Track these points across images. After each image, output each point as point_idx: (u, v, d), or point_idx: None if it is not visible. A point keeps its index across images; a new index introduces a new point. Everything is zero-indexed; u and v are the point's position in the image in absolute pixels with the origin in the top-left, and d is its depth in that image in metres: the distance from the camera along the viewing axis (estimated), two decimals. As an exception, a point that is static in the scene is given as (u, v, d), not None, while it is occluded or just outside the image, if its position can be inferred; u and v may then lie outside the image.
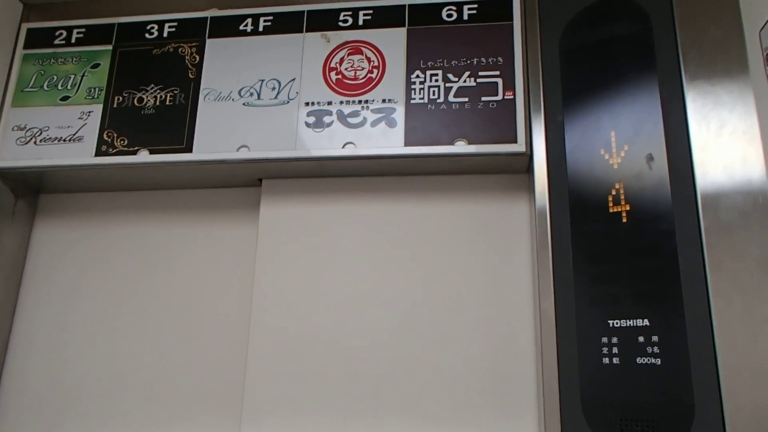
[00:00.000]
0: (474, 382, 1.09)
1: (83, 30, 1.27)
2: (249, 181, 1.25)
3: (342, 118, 1.15)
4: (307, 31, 1.20)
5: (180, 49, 1.22)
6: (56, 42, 1.27)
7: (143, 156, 1.18)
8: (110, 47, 1.25)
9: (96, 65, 1.24)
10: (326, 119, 1.15)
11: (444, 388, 1.09)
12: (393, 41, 1.17)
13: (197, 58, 1.21)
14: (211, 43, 1.22)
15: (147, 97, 1.21)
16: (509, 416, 1.07)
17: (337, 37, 1.19)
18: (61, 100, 1.23)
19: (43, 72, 1.25)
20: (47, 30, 1.29)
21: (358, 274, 1.17)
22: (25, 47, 1.28)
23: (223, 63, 1.20)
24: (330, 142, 1.14)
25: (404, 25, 1.18)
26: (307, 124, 1.15)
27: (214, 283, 1.25)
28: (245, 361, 1.14)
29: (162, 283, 1.26)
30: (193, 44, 1.22)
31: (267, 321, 1.16)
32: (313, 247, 1.19)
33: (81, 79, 1.24)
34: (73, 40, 1.27)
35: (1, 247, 1.24)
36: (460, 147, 1.10)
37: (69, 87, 1.24)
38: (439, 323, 1.13)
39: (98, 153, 1.19)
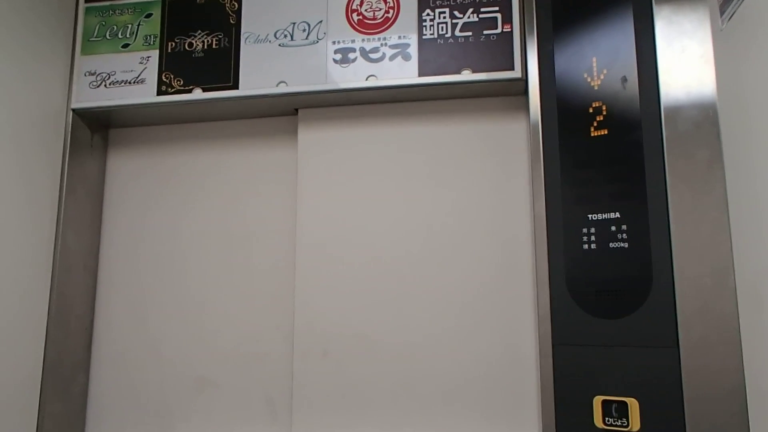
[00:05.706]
0: (484, 271, 1.32)
1: (135, -16, 1.44)
2: (287, 111, 1.44)
3: (364, 54, 1.33)
4: (330, -23, 1.36)
5: (220, -2, 1.40)
6: (112, -5, 1.45)
7: (197, 94, 1.38)
8: (159, -1, 1.43)
9: (149, 15, 1.42)
10: (351, 56, 1.33)
11: (462, 280, 1.32)
12: (406, -17, 1.32)
13: (236, 6, 1.38)
14: (246, -9, 1.39)
15: (196, 42, 1.39)
16: (510, 294, 1.31)
17: (357, -19, 1.35)
18: (122, 47, 1.42)
19: (104, 23, 1.43)
20: (103, -15, 1.45)
21: (383, 185, 1.37)
22: (86, 1, 1.45)
23: (259, 9, 1.37)
24: (355, 76, 1.32)
25: (415, -32, 1.32)
26: (335, 61, 1.34)
27: (261, 197, 1.47)
28: (294, 263, 1.39)
29: (216, 199, 1.49)
30: (231, -7, 1.39)
31: (310, 226, 1.38)
32: (343, 164, 1.40)
33: (137, 28, 1.42)
34: (126, -7, 1.44)
35: (86, 174, 1.47)
36: (466, 75, 1.28)
37: (128, 35, 1.42)
38: (455, 226, 1.34)
39: (159, 93, 1.39)
